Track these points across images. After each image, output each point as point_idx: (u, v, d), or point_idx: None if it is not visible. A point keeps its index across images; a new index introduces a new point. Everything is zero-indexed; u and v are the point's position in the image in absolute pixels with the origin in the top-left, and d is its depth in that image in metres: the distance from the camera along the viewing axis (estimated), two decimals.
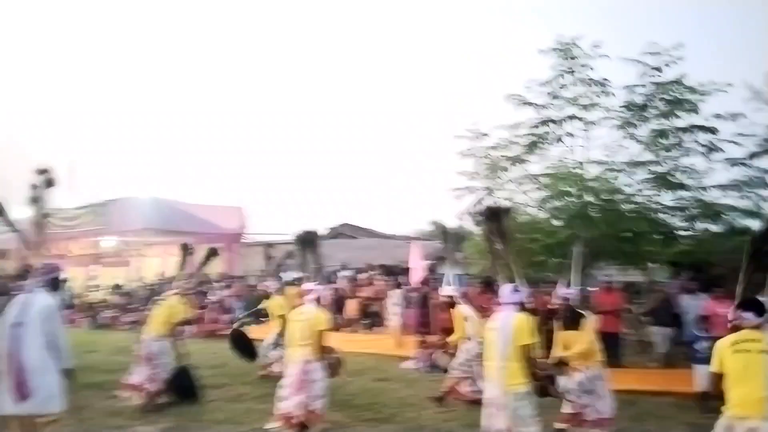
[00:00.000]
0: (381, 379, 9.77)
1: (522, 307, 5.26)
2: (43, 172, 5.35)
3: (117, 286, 21.14)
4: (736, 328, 4.51)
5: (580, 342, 6.36)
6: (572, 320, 6.44)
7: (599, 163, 11.80)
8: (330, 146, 61.50)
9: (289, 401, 6.10)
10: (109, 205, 22.19)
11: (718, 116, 10.85)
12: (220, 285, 17.75)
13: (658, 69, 11.14)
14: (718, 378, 4.42)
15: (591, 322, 6.54)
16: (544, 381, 5.30)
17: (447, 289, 8.10)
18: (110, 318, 18.17)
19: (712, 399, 4.58)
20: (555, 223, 11.80)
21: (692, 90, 11.01)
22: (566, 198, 11.73)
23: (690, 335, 8.07)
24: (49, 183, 5.38)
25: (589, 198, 11.41)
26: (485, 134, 12.56)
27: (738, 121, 10.87)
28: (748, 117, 11.05)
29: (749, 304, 4.53)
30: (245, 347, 9.99)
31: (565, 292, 6.58)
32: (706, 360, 7.57)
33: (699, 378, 7.66)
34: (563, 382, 6.27)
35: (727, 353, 4.39)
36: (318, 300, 6.77)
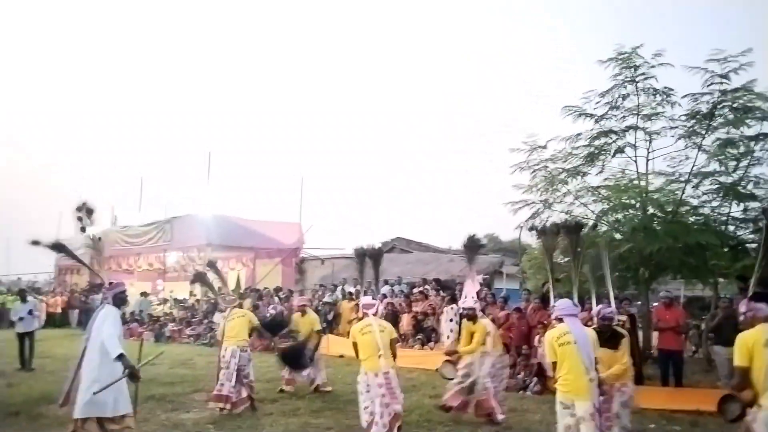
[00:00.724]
0: (434, 396, 9.65)
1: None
2: (80, 208, 6.19)
3: (179, 300, 21.85)
4: (753, 322, 4.29)
5: (618, 362, 6.15)
6: (611, 339, 6.21)
7: (662, 174, 11.42)
8: (385, 161, 61.96)
9: (385, 409, 6.09)
10: (173, 222, 23.09)
11: None
12: (277, 299, 18.04)
13: (725, 76, 10.64)
14: (746, 372, 4.13)
15: (627, 341, 6.39)
16: None
17: (468, 301, 7.97)
18: (173, 331, 18.77)
19: (735, 401, 4.30)
20: (616, 236, 11.44)
21: (762, 96, 10.48)
22: (628, 210, 11.39)
23: None
24: (90, 212, 6.23)
25: (652, 210, 11.03)
26: (542, 146, 12.34)
27: None
28: None
29: (762, 295, 4.37)
30: (296, 357, 9.66)
31: (606, 311, 6.33)
32: None
33: None
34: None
35: (758, 348, 4.09)
36: (376, 313, 6.84)
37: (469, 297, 8.06)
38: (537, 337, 10.34)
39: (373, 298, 7.06)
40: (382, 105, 64.31)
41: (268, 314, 16.62)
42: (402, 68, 65.87)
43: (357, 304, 13.78)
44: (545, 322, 8.78)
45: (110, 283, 5.68)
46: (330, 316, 16.12)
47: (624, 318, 9.50)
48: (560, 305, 5.42)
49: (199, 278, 10.69)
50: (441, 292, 14.61)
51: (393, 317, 14.47)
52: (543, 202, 12.33)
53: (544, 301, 10.81)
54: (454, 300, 13.39)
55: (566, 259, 12.37)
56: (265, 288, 19.36)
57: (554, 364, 5.16)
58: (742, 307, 4.48)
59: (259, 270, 23.07)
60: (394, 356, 6.46)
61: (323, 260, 23.38)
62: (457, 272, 15.63)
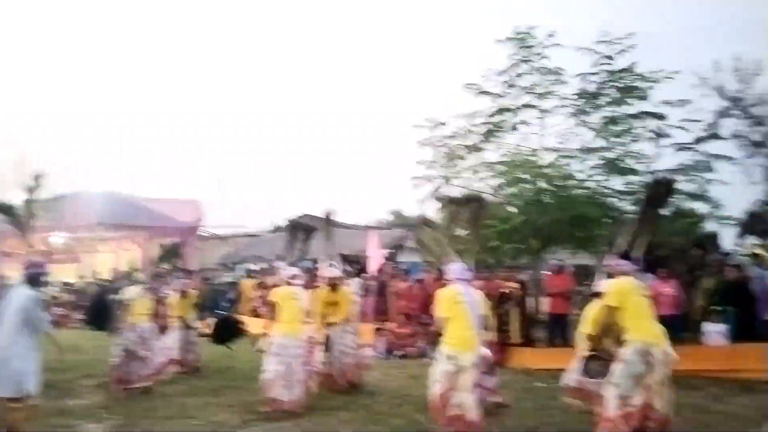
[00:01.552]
0: None
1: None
2: None
3: (67, 284, 20.49)
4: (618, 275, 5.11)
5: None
6: None
7: (553, 150, 12.04)
8: (286, 137, 60.83)
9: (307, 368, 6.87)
10: (61, 200, 21.47)
11: (666, 103, 11.17)
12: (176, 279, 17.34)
13: (610, 57, 11.36)
14: (612, 311, 5.00)
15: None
16: None
17: (332, 271, 8.22)
18: (60, 316, 17.59)
19: (597, 360, 5.22)
20: (510, 209, 11.97)
21: (642, 77, 11.29)
22: (521, 185, 11.94)
23: None
24: None
25: (542, 184, 11.63)
26: (443, 123, 12.64)
27: (685, 108, 11.21)
28: (695, 103, 11.43)
29: (626, 255, 5.29)
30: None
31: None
32: None
33: None
34: None
35: (629, 295, 4.96)
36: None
37: (331, 267, 8.52)
38: None
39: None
40: (287, 79, 63.03)
41: (163, 294, 16.03)
42: (303, 45, 64.75)
43: (260, 283, 13.59)
44: None
45: (29, 263, 5.64)
46: (231, 295, 15.81)
47: (515, 285, 10.03)
48: (454, 269, 5.77)
49: None
50: (346, 266, 14.68)
51: None
52: (444, 177, 12.66)
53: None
54: (359, 274, 13.54)
55: (466, 232, 12.86)
56: (164, 269, 18.54)
57: (445, 320, 5.52)
58: (611, 261, 5.22)
59: (155, 250, 22.04)
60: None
61: (225, 239, 22.76)
62: (363, 247, 15.73)
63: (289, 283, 7.32)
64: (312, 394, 7.51)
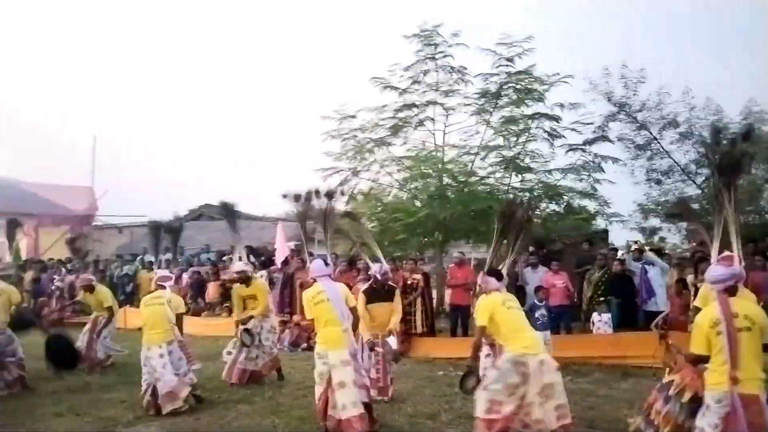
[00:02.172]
0: None
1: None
2: None
3: None
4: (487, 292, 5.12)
5: (396, 312, 6.95)
6: (388, 293, 6.97)
7: (456, 147, 12.44)
8: (190, 124, 58.56)
9: (167, 382, 6.40)
10: None
11: (560, 105, 11.84)
12: (65, 270, 16.27)
13: (511, 60, 11.85)
14: (484, 330, 4.98)
15: (399, 293, 7.29)
16: None
17: (239, 265, 8.12)
18: None
19: (472, 376, 5.08)
20: (416, 203, 12.26)
21: (539, 80, 11.88)
22: (426, 179, 12.25)
23: (530, 305, 8.80)
24: None
25: (446, 180, 12.00)
26: (352, 116, 12.69)
27: (577, 111, 11.96)
28: (587, 107, 12.21)
29: (493, 271, 5.20)
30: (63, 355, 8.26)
31: (385, 268, 7.00)
32: (544, 326, 8.41)
33: None
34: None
35: (497, 308, 4.92)
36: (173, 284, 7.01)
37: (240, 261, 8.35)
38: None
39: (170, 272, 7.30)
40: (190, 63, 60.53)
41: (53, 287, 15.01)
42: (209, 31, 62.51)
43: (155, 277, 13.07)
44: (350, 284, 9.19)
45: None
46: (129, 288, 15.08)
47: (419, 277, 10.31)
48: (313, 268, 5.78)
49: None
50: (252, 259, 14.43)
51: (199, 286, 13.98)
52: (352, 169, 12.74)
53: (351, 264, 11.26)
54: (264, 266, 13.35)
55: (371, 225, 13.04)
56: (50, 259, 17.37)
57: (312, 321, 5.60)
58: (479, 280, 5.23)
59: (43, 239, 20.58)
60: (181, 330, 6.87)
61: (121, 228, 21.63)
62: (269, 239, 15.46)
63: (158, 286, 7.00)
64: (215, 388, 7.42)
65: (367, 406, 5.43)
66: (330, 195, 6.53)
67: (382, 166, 12.76)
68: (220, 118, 60.97)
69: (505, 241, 5.44)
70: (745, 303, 3.97)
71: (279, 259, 13.01)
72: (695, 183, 14.21)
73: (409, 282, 10.15)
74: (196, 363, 7.10)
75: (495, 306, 4.89)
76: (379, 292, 6.91)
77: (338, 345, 5.40)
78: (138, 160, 53.69)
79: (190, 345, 7.29)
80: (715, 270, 4.03)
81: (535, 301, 8.92)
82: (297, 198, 6.70)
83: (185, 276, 13.99)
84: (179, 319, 6.91)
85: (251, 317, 7.80)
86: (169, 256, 11.32)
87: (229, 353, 7.88)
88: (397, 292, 7.18)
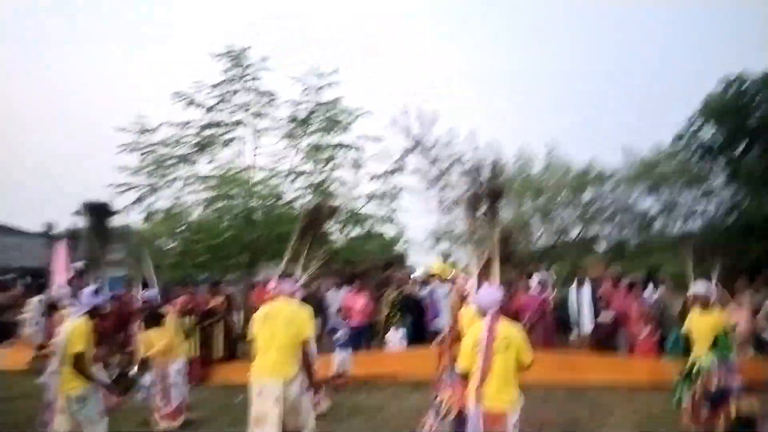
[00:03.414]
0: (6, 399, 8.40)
1: (94, 311, 5.19)
2: None
3: None
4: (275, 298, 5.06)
5: (165, 338, 6.78)
6: (155, 318, 6.87)
7: (265, 170, 12.49)
8: None
9: None
10: None
11: (364, 137, 12.59)
12: None
13: (321, 89, 12.36)
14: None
15: (172, 319, 7.11)
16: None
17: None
18: None
19: None
20: (222, 225, 11.98)
21: (346, 112, 12.53)
22: (232, 201, 12.08)
23: (332, 325, 9.12)
24: None
25: (254, 201, 11.96)
26: (152, 130, 12.06)
27: (379, 143, 12.79)
28: (388, 140, 13.13)
29: (288, 276, 5.18)
30: None
31: (146, 294, 6.94)
32: (344, 346, 8.76)
33: (337, 362, 8.65)
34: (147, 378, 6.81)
35: (268, 319, 4.88)
36: None
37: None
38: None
39: None
40: None
41: None
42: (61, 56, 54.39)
43: None
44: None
45: None
46: None
47: (221, 299, 10.09)
48: (83, 296, 5.26)
49: None
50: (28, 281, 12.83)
51: None
52: (150, 186, 12.06)
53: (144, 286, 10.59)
54: (40, 290, 11.94)
55: (171, 245, 12.43)
56: None
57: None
58: (271, 284, 5.19)
59: None
60: None
61: None
62: (48, 259, 13.87)
63: None
64: None
65: None
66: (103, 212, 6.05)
67: (186, 184, 12.28)
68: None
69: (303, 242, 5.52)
70: (505, 324, 4.19)
71: (58, 282, 11.72)
72: (472, 213, 15.96)
73: (210, 306, 9.88)
74: None
75: (258, 319, 4.87)
76: (154, 317, 6.80)
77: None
78: None
79: None
80: (482, 294, 4.33)
81: (338, 321, 9.26)
82: (89, 212, 6.23)
83: None
84: None
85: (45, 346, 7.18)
86: None
87: None
88: (169, 317, 7.01)
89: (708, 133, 16.08)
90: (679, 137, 16.37)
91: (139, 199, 11.93)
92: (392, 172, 12.95)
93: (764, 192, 14.66)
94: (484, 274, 4.87)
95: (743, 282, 9.04)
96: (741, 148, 15.71)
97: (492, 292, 4.28)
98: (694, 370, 5.84)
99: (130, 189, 11.90)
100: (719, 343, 5.79)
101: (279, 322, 4.78)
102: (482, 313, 4.19)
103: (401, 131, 15.07)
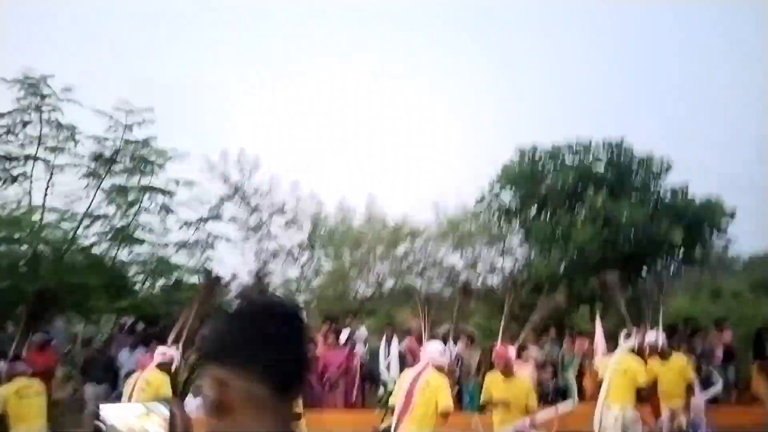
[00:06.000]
0: None
1: None
2: None
3: None
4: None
5: None
6: None
7: (57, 211, 11.13)
8: None
9: None
10: None
11: (176, 182, 11.85)
12: None
13: (130, 127, 11.42)
14: None
15: None
16: None
17: None
18: None
19: None
20: None
21: (158, 153, 11.71)
22: (16, 245, 10.59)
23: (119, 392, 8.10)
24: None
25: (40, 247, 10.57)
26: None
27: (193, 188, 12.13)
28: (203, 186, 12.50)
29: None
30: None
31: None
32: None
33: None
34: None
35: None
36: None
37: None
38: None
39: None
40: None
41: None
42: None
43: None
44: None
45: None
46: None
47: None
48: None
49: None
50: None
51: None
52: None
53: None
54: None
55: None
56: None
57: None
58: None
59: None
60: None
61: None
62: None
63: None
64: None
65: None
66: None
67: None
68: None
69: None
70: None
71: None
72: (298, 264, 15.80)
73: None
74: None
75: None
76: None
77: None
78: None
79: None
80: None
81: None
82: None
83: None
84: None
85: None
86: None
87: None
88: None
89: (506, 196, 17.81)
90: (481, 199, 17.91)
91: None
92: (207, 219, 12.36)
93: (552, 251, 16.48)
94: None
95: (531, 335, 9.88)
96: (533, 211, 17.60)
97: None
98: None
99: None
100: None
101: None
102: None
103: (219, 177, 14.49)
